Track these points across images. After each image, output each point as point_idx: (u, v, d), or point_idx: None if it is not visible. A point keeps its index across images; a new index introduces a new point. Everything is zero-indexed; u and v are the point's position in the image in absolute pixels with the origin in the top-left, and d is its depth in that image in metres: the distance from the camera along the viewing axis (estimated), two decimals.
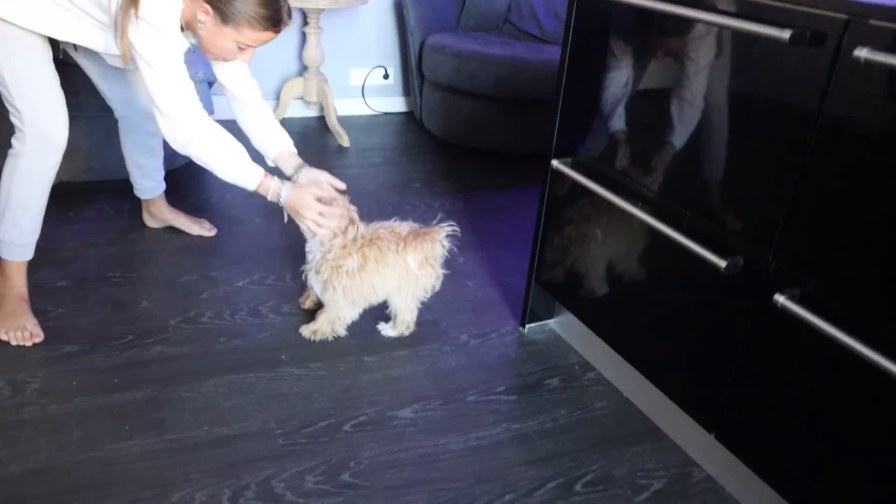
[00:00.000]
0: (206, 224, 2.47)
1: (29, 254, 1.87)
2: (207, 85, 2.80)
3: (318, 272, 1.85)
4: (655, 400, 1.73)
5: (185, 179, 2.87)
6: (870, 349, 1.08)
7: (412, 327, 1.98)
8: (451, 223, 1.89)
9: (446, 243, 1.88)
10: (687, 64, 1.38)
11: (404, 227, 1.89)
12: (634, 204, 1.54)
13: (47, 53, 1.77)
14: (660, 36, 1.44)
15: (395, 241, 1.85)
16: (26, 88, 1.73)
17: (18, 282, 1.87)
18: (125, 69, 2.05)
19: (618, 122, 1.59)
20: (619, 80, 1.56)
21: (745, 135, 1.28)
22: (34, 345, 1.81)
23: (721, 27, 1.29)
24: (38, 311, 1.91)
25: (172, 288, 2.13)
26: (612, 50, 1.57)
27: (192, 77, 2.63)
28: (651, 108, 1.50)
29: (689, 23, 1.36)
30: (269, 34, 1.74)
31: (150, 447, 1.54)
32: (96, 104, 2.51)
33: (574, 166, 1.73)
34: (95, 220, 2.49)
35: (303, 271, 1.92)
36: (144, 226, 2.46)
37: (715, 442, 1.48)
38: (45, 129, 1.77)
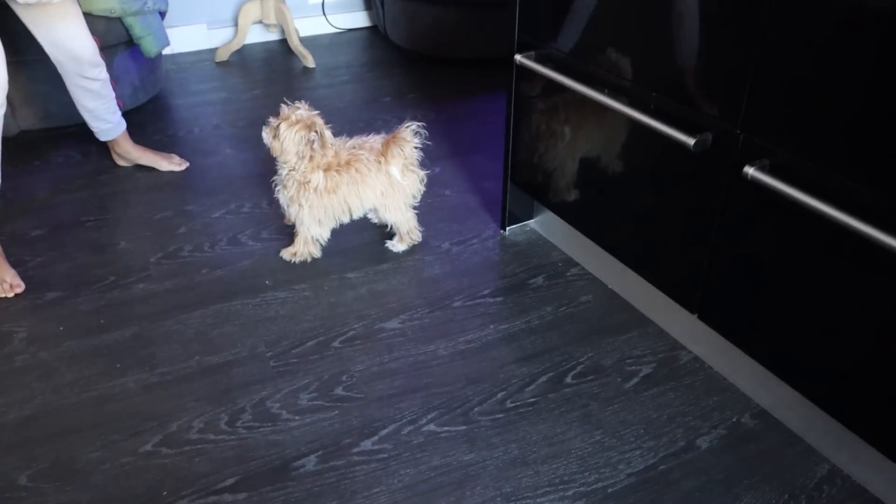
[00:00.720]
0: (176, 159, 2.42)
1: None
2: (159, 15, 2.70)
3: (284, 186, 1.83)
4: (639, 288, 1.74)
5: (150, 116, 2.81)
6: (839, 211, 1.08)
7: (418, 234, 1.98)
8: (417, 123, 1.86)
9: (417, 142, 1.86)
10: None
11: (377, 140, 1.87)
12: (601, 91, 1.51)
13: None
14: None
15: (376, 159, 1.83)
16: None
17: None
18: (45, 9, 1.96)
19: (576, 9, 1.55)
20: None
21: (704, 8, 1.25)
22: (16, 295, 1.81)
23: None
24: (15, 263, 1.89)
25: (149, 226, 2.11)
26: None
27: (142, 7, 2.55)
28: None
29: None
30: None
31: (143, 382, 1.55)
32: None
33: (538, 59, 1.69)
34: (63, 167, 2.44)
35: (273, 182, 1.90)
36: (114, 167, 2.42)
37: (699, 323, 1.51)
38: None
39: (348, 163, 1.81)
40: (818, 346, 1.23)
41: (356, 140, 1.87)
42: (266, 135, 1.80)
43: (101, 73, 2.18)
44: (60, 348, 1.65)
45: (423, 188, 1.93)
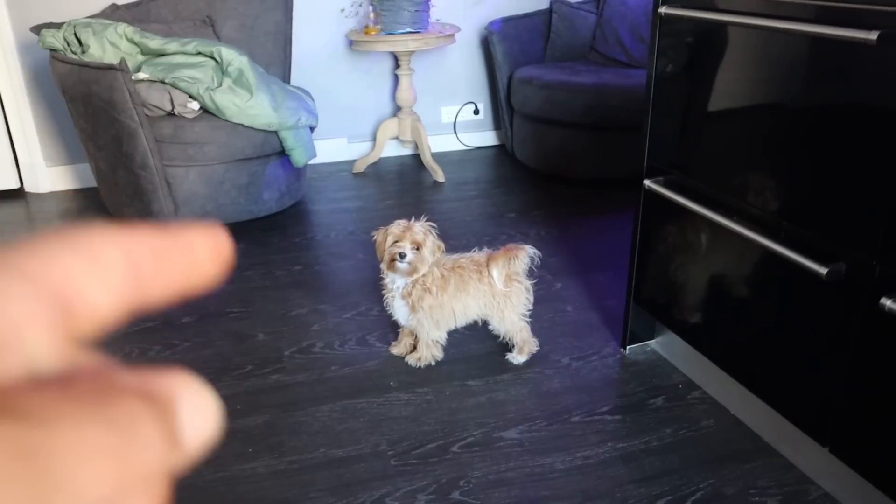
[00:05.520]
0: None
1: None
2: (309, 130, 2.96)
3: (409, 294, 1.91)
4: (764, 416, 1.70)
5: (293, 220, 3.03)
6: None
7: (534, 344, 2.03)
8: (531, 248, 1.93)
9: (525, 259, 1.92)
10: (772, 75, 1.40)
11: (481, 255, 1.96)
12: (729, 217, 1.55)
13: None
14: (742, 49, 1.46)
15: (477, 269, 1.92)
16: None
17: None
18: None
19: (707, 139, 1.61)
20: (706, 96, 1.58)
21: (841, 141, 1.28)
22: None
23: (807, 35, 1.30)
24: (166, 345, 2.06)
25: (285, 321, 2.26)
26: (697, 68, 1.60)
27: (296, 123, 2.81)
28: (739, 121, 1.51)
29: (773, 34, 1.38)
30: None
31: (272, 468, 1.64)
32: (210, 153, 2.71)
33: (667, 185, 1.75)
34: None
35: (384, 300, 1.99)
36: (257, 264, 2.62)
37: (830, 457, 1.45)
38: None
39: (452, 269, 1.92)
40: None
41: (457, 255, 1.98)
42: (408, 256, 1.83)
43: None
44: None
45: (530, 297, 1.99)
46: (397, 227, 1.86)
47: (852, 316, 1.31)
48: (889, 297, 1.20)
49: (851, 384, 1.35)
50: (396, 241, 1.84)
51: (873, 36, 1.12)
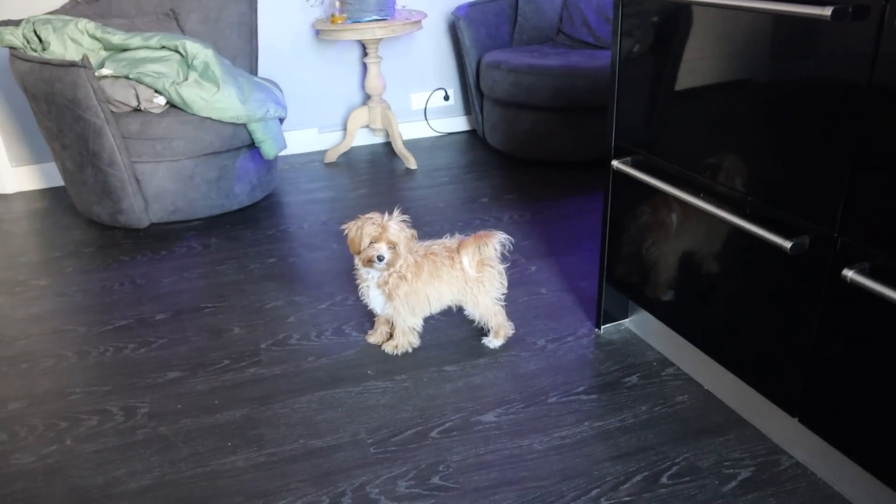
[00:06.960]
0: None
1: None
2: (279, 121, 2.95)
3: (385, 283, 1.92)
4: (737, 390, 1.73)
5: (265, 212, 3.02)
6: None
7: (508, 329, 2.05)
8: (504, 234, 1.95)
9: (497, 246, 1.94)
10: (734, 53, 1.41)
11: (453, 241, 1.97)
12: (696, 195, 1.57)
13: None
14: (703, 28, 1.48)
15: (449, 256, 1.93)
16: None
17: None
18: None
19: (672, 118, 1.63)
20: (671, 76, 1.60)
21: (801, 117, 1.30)
22: (141, 373, 1.95)
23: (766, 13, 1.32)
24: (142, 343, 2.05)
25: (261, 314, 2.25)
26: (661, 48, 1.61)
27: (264, 115, 2.79)
28: (703, 100, 1.53)
29: (734, 12, 1.39)
30: None
31: (252, 461, 1.64)
32: (178, 148, 2.69)
33: (634, 165, 1.77)
34: (186, 257, 2.65)
35: (360, 292, 1.99)
36: (230, 258, 2.61)
37: (800, 426, 1.48)
38: None
39: (425, 256, 1.93)
40: None
41: (430, 242, 1.99)
42: (386, 258, 1.83)
43: None
44: (178, 424, 1.76)
45: (504, 282, 2.00)
46: (372, 226, 1.84)
47: (816, 288, 1.34)
48: (850, 268, 1.23)
49: (817, 354, 1.38)
50: (372, 242, 1.84)
51: (827, 12, 1.14)
